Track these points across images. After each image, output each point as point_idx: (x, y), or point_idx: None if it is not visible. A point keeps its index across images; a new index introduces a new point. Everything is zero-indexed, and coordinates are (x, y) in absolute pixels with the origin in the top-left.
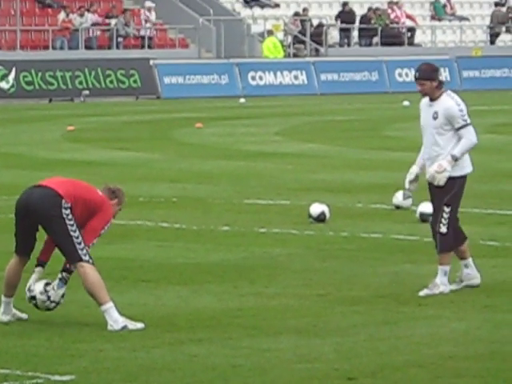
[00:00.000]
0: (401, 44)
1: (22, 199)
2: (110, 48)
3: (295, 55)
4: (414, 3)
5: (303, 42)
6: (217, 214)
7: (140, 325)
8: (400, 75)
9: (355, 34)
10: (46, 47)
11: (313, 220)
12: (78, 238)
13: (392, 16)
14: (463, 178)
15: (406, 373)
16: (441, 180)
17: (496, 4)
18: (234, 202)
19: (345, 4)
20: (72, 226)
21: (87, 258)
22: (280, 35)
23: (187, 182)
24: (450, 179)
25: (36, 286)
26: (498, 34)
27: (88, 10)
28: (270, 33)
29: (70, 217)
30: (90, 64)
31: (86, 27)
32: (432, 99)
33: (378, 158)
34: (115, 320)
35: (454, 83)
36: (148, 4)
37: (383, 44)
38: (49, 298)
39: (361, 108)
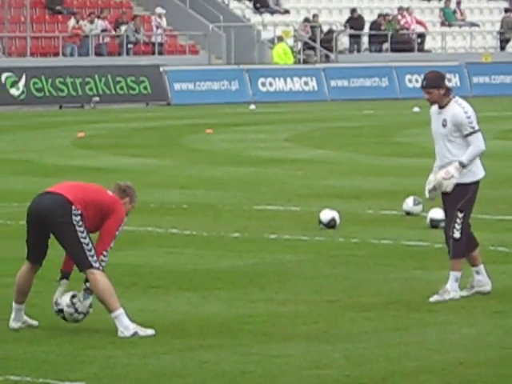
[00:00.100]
0: (411, 50)
1: (33, 206)
2: (120, 54)
3: (305, 61)
4: (424, 9)
5: (313, 49)
6: (227, 221)
7: (150, 331)
8: (410, 81)
9: (365, 40)
10: (56, 54)
11: (323, 226)
12: (88, 244)
13: (402, 22)
14: (476, 183)
15: (416, 379)
16: (448, 186)
17: (506, 10)
18: (244, 209)
19: (353, 10)
20: (82, 232)
21: (97, 264)
22: (290, 41)
23: (197, 189)
24: (464, 185)
25: (62, 299)
26: (508, 40)
27: (98, 17)
28: (280, 39)
29: (80, 223)
30: (100, 70)
31: (96, 34)
32: (441, 107)
33: (388, 164)
34: (126, 326)
35: (463, 89)
36: (159, 10)
37: (393, 50)
38: (76, 310)
39: (371, 114)
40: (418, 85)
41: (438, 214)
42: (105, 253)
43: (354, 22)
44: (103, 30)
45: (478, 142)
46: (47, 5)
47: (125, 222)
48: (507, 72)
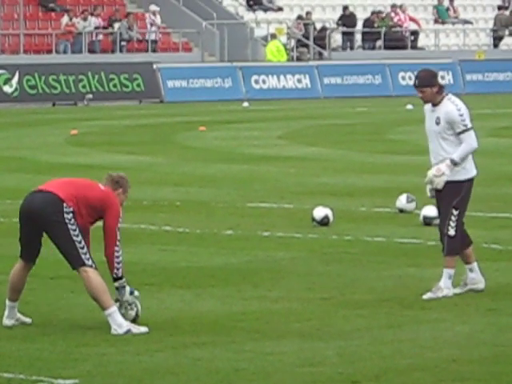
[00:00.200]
0: (404, 47)
1: (25, 205)
2: (113, 52)
3: (298, 59)
4: (417, 6)
5: (306, 46)
6: (220, 218)
7: (143, 328)
8: (403, 78)
9: (358, 37)
10: (49, 51)
11: (316, 223)
12: (80, 242)
13: (395, 19)
14: (470, 181)
15: (409, 376)
16: (439, 184)
17: (499, 7)
18: (237, 206)
19: (345, 8)
20: (74, 230)
21: (90, 262)
22: (283, 39)
23: (190, 186)
24: (458, 183)
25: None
26: (501, 38)
27: (92, 14)
28: (274, 36)
29: (72, 221)
30: (93, 68)
31: (90, 31)
32: (434, 104)
33: (381, 161)
34: (119, 324)
35: (457, 86)
36: (153, 8)
37: (386, 47)
38: (126, 307)
39: (364, 111)
40: (412, 82)
41: (431, 211)
42: (117, 248)
43: (346, 19)
44: (96, 28)
45: (471, 140)
46: (40, 2)
47: (122, 213)
48: (500, 69)
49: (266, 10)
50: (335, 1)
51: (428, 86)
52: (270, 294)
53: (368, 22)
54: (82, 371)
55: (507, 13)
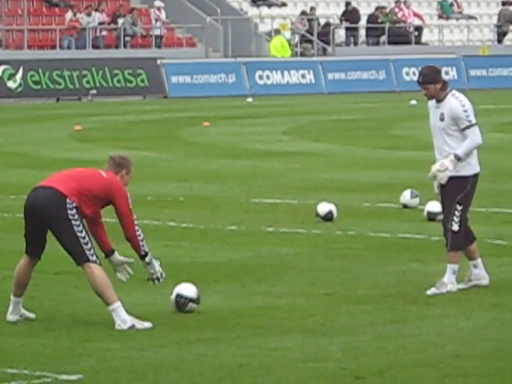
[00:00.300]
0: (408, 43)
1: (28, 202)
2: (117, 47)
3: (302, 54)
4: (422, 2)
5: (310, 41)
6: (224, 214)
7: (148, 324)
8: (407, 74)
9: (362, 32)
10: (53, 47)
11: (320, 219)
12: (84, 238)
13: (399, 15)
14: (475, 176)
15: (413, 372)
16: (442, 179)
17: (503, 3)
18: (241, 202)
19: (348, 3)
20: (78, 226)
21: (94, 258)
22: (287, 34)
23: (194, 182)
24: (463, 178)
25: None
26: (505, 33)
27: (96, 10)
28: (278, 32)
29: (76, 217)
30: (97, 63)
31: (94, 26)
32: (438, 101)
33: (385, 156)
34: (123, 319)
35: (461, 82)
36: (158, 3)
37: (390, 43)
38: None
39: (368, 107)
40: (416, 78)
41: (435, 206)
42: (136, 227)
43: (349, 15)
44: (100, 23)
45: (475, 136)
46: None
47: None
48: (504, 65)
49: (270, 5)
50: None
51: (432, 82)
52: (273, 289)
53: (372, 18)
54: (85, 366)
55: (511, 8)
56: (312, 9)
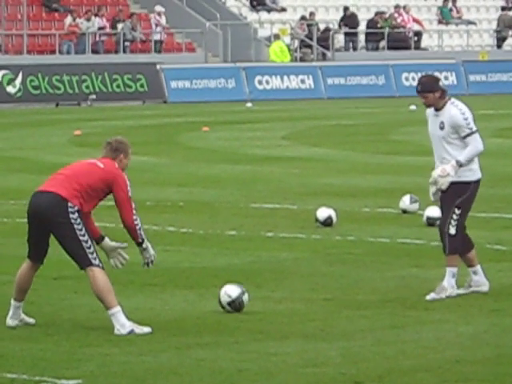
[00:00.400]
0: (407, 48)
1: (31, 207)
2: (116, 52)
3: (302, 59)
4: (421, 7)
5: (310, 47)
6: (223, 218)
7: (147, 329)
8: (407, 79)
9: (362, 38)
10: (52, 51)
11: (320, 224)
12: (87, 241)
13: (399, 20)
14: (477, 182)
15: (412, 377)
16: (443, 184)
17: (503, 8)
18: (240, 206)
19: (346, 8)
20: (81, 230)
21: (97, 261)
22: (287, 39)
23: (194, 186)
24: (464, 183)
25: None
26: (504, 38)
27: (96, 15)
28: (277, 37)
29: (78, 221)
30: (96, 68)
31: (93, 31)
32: (437, 109)
33: (384, 162)
34: (122, 324)
35: (460, 87)
36: (158, 8)
37: (390, 48)
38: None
39: (367, 112)
40: (415, 83)
41: (434, 212)
42: (134, 216)
43: (348, 20)
44: (100, 28)
45: (476, 143)
46: (44, 2)
47: (129, 182)
48: (504, 70)
49: (269, 10)
50: (338, 1)
51: (430, 91)
52: (273, 294)
53: (371, 23)
54: (85, 371)
55: (510, 13)
56: (311, 14)
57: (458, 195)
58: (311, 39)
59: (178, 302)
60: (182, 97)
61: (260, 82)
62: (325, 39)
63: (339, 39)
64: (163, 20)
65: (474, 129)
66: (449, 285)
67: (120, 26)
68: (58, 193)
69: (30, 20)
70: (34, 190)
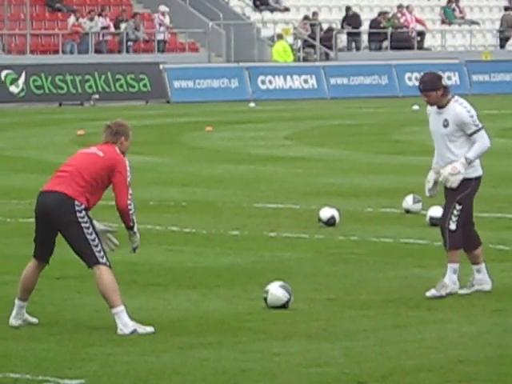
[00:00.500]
0: (410, 48)
1: (40, 206)
2: (119, 52)
3: (305, 59)
4: (424, 7)
5: (313, 46)
6: (226, 218)
7: (150, 329)
8: (410, 79)
9: (365, 38)
10: (55, 51)
11: (323, 224)
12: (94, 240)
13: (402, 20)
14: (478, 179)
15: (415, 377)
16: (454, 182)
17: (506, 8)
18: (243, 206)
19: (348, 8)
20: (88, 228)
21: (104, 260)
22: (290, 39)
23: (197, 186)
24: (466, 180)
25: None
26: (507, 38)
27: (100, 15)
28: (280, 37)
29: (85, 219)
30: (99, 68)
31: (96, 31)
32: (440, 106)
33: (387, 162)
34: (125, 324)
35: (463, 87)
36: (163, 8)
37: (393, 48)
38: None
39: (370, 112)
40: (418, 83)
41: (437, 212)
42: (129, 201)
43: (350, 20)
44: (103, 28)
45: (484, 139)
46: (47, 2)
47: (130, 167)
48: (507, 70)
49: (272, 10)
50: (341, 1)
51: (433, 89)
52: None
53: (374, 23)
54: (88, 371)
55: None
56: (314, 14)
57: (459, 191)
58: (314, 39)
59: (181, 302)
60: (185, 97)
61: (263, 82)
62: (328, 39)
63: (342, 39)
64: (167, 20)
65: (480, 125)
66: (450, 281)
67: (123, 25)
68: (65, 192)
69: (33, 20)
70: (37, 189)
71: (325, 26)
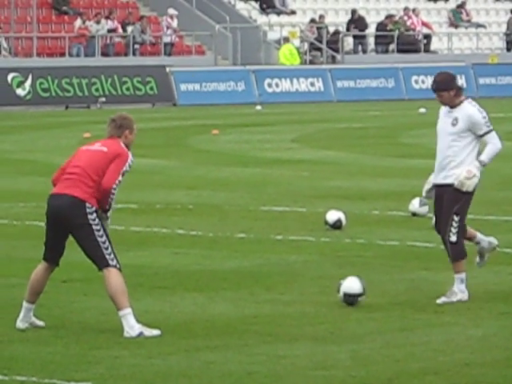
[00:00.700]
0: (417, 51)
1: (51, 209)
2: (126, 55)
3: (311, 62)
4: (431, 10)
5: (319, 49)
6: (233, 221)
7: (156, 331)
8: (416, 82)
9: (371, 41)
10: (62, 54)
11: (329, 227)
12: (104, 242)
13: (408, 23)
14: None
15: (422, 380)
16: (470, 186)
17: None
18: (250, 209)
19: (354, 11)
20: (99, 231)
21: (114, 262)
22: (296, 42)
23: (203, 189)
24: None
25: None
26: None
27: (108, 18)
28: (287, 40)
29: (96, 221)
30: (106, 71)
31: (103, 34)
32: (452, 106)
33: (394, 165)
34: (131, 326)
35: (470, 90)
36: (171, 11)
37: (399, 51)
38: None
39: (377, 115)
40: (425, 86)
41: None
42: (114, 186)
43: (356, 23)
44: (110, 31)
45: (495, 140)
46: (53, 5)
47: (131, 162)
48: None
49: (279, 13)
50: (348, 4)
51: (445, 89)
52: (282, 297)
53: (381, 26)
54: (94, 374)
55: None
56: (321, 17)
57: (455, 201)
58: (321, 42)
59: (188, 305)
60: (192, 99)
61: (270, 85)
62: (334, 42)
63: (348, 42)
64: (175, 23)
65: (491, 127)
66: (459, 290)
67: (130, 28)
68: (75, 195)
69: (39, 23)
70: (45, 192)
71: (331, 29)
